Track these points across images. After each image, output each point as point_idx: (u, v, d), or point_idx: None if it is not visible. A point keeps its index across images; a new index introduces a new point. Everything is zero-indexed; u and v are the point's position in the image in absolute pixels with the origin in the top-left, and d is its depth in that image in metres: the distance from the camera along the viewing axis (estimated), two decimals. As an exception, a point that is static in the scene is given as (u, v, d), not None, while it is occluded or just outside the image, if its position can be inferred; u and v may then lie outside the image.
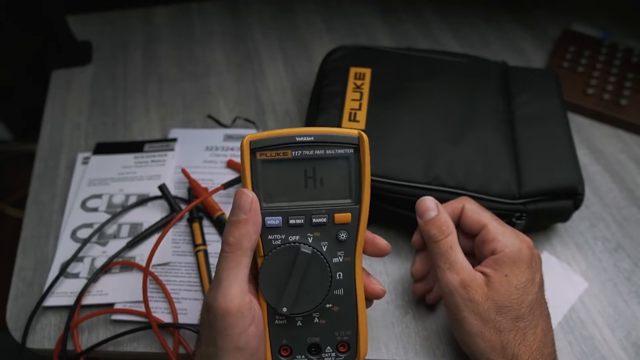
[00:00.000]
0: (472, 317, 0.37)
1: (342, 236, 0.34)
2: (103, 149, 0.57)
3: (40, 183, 0.56)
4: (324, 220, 0.33)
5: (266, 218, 0.33)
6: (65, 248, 0.49)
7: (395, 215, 0.48)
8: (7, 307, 0.47)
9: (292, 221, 0.33)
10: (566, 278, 0.49)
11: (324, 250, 0.34)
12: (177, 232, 0.51)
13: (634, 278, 0.49)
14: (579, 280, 0.49)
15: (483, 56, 0.60)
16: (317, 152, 0.33)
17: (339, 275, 0.34)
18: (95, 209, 0.52)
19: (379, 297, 0.36)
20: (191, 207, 0.49)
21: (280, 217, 0.33)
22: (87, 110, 0.64)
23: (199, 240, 0.49)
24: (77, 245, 0.49)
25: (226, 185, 0.51)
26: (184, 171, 0.54)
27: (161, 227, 0.50)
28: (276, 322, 0.35)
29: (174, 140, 0.58)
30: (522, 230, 0.49)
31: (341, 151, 0.33)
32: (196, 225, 0.50)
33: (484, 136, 0.50)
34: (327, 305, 0.35)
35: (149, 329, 0.44)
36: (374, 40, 0.73)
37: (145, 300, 0.45)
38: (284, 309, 0.33)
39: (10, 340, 0.45)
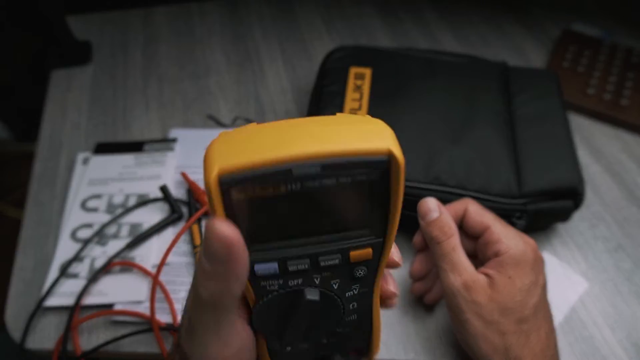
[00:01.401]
0: (474, 319, 0.37)
1: (360, 274, 0.25)
2: (103, 149, 0.57)
3: (40, 183, 0.56)
4: (337, 262, 0.24)
5: (256, 266, 0.23)
6: (65, 248, 0.49)
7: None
8: (7, 308, 0.47)
9: (292, 268, 0.24)
10: (566, 278, 0.49)
11: (335, 288, 0.25)
12: (177, 232, 0.51)
13: (635, 278, 0.49)
14: (579, 280, 0.49)
15: (483, 56, 0.60)
16: (326, 182, 0.21)
17: (353, 305, 0.27)
18: (95, 209, 0.52)
19: (390, 303, 0.29)
20: (198, 215, 0.50)
21: (276, 264, 0.23)
22: (87, 110, 0.64)
23: (198, 242, 0.49)
24: (77, 245, 0.49)
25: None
26: (184, 175, 0.54)
27: (161, 228, 0.50)
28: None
29: (174, 140, 0.58)
30: (523, 230, 0.50)
31: (362, 177, 0.22)
32: (195, 227, 0.50)
33: (484, 136, 0.50)
34: (338, 329, 0.28)
35: (150, 331, 0.44)
36: (374, 40, 0.73)
37: (152, 307, 0.45)
38: (288, 349, 0.28)
39: (10, 341, 0.45)
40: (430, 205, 0.40)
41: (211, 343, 0.24)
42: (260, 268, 0.23)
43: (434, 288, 0.45)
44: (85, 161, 0.57)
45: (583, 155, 0.58)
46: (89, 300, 0.46)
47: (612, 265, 0.50)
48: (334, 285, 0.25)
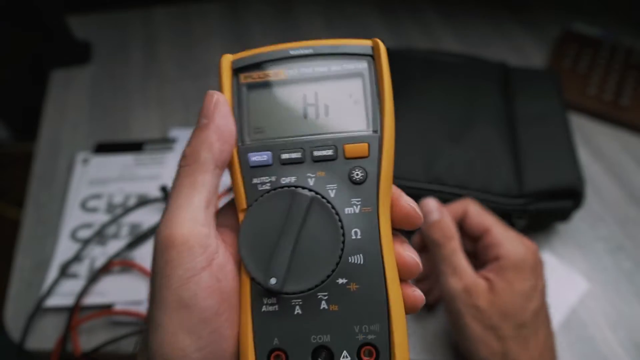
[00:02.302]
0: (474, 323, 0.37)
1: (357, 176, 0.24)
2: (103, 149, 0.57)
3: (40, 183, 0.56)
4: (330, 152, 0.24)
5: (250, 154, 0.24)
6: (64, 248, 0.49)
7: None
8: (6, 308, 0.47)
9: (285, 156, 0.24)
10: (567, 278, 0.49)
11: (332, 195, 0.23)
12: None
13: (635, 278, 0.49)
14: (580, 280, 0.49)
15: (483, 56, 0.60)
16: (319, 69, 0.25)
17: (356, 232, 0.23)
18: (94, 209, 0.52)
19: (411, 274, 0.24)
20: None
21: (270, 152, 0.24)
22: (87, 110, 0.64)
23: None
24: (77, 245, 0.49)
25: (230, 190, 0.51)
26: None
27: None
28: (264, 309, 0.23)
29: (174, 140, 0.58)
30: (522, 230, 0.49)
31: (350, 66, 0.25)
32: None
33: (484, 136, 0.50)
34: (340, 281, 0.23)
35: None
36: (374, 40, 0.73)
37: (145, 301, 0.44)
38: (272, 281, 0.22)
39: (10, 341, 0.45)
40: (431, 206, 0.40)
41: (182, 208, 0.22)
42: (254, 156, 0.24)
43: (434, 289, 0.44)
44: (85, 161, 0.57)
45: (583, 155, 0.58)
46: (88, 300, 0.46)
47: (612, 266, 0.50)
48: (330, 191, 0.23)
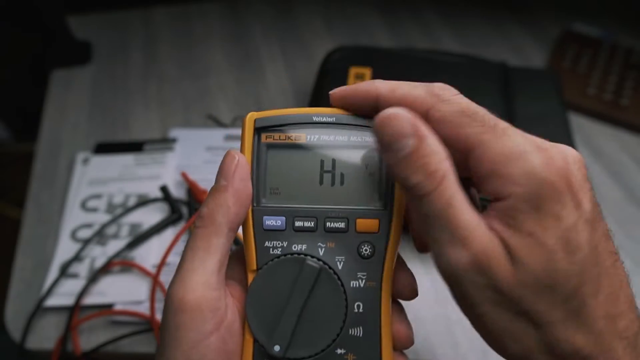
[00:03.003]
0: (495, 311, 0.22)
1: (366, 251, 0.25)
2: (103, 149, 0.57)
3: (40, 183, 0.56)
4: (342, 225, 0.25)
5: (265, 218, 0.25)
6: (64, 248, 0.49)
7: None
8: (6, 308, 0.47)
9: (298, 224, 0.25)
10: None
11: (339, 268, 0.25)
12: (177, 232, 0.51)
13: (635, 278, 0.49)
14: (580, 280, 0.49)
15: (483, 56, 0.60)
16: (339, 137, 0.25)
17: (358, 306, 0.25)
18: (94, 209, 0.52)
19: (404, 346, 0.25)
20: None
21: (284, 218, 0.25)
22: (87, 110, 0.64)
23: (198, 241, 0.49)
24: (77, 245, 0.49)
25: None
26: (183, 175, 0.54)
27: (161, 228, 0.50)
28: None
29: (174, 140, 0.58)
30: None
31: (370, 138, 0.25)
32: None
33: (484, 136, 0.50)
34: (339, 351, 0.24)
35: (150, 331, 0.44)
36: (374, 40, 0.73)
37: (152, 307, 0.45)
38: (276, 348, 0.24)
39: (10, 341, 0.45)
40: (403, 124, 0.22)
41: (196, 271, 0.23)
42: (268, 220, 0.25)
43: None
44: (85, 161, 0.57)
45: (583, 155, 0.58)
46: (88, 300, 0.46)
47: (612, 265, 0.50)
48: (338, 263, 0.25)
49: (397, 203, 0.25)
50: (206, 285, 0.23)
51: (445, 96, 0.24)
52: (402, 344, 0.25)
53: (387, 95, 0.25)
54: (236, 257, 0.26)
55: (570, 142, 0.51)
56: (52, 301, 0.46)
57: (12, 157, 1.23)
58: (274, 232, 0.25)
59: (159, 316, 0.45)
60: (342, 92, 0.26)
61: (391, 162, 0.22)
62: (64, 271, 0.47)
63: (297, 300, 0.24)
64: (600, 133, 0.62)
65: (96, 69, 0.69)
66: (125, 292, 0.46)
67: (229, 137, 0.59)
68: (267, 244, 0.25)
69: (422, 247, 0.28)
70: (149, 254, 0.49)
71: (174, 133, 0.60)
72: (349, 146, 0.26)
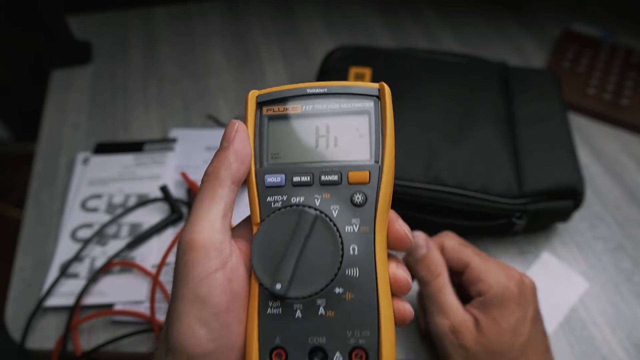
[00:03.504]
0: None
1: (358, 199, 0.27)
2: (103, 149, 0.57)
3: (40, 183, 0.56)
4: (335, 178, 0.27)
5: (266, 176, 0.28)
6: (64, 248, 0.49)
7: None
8: (7, 307, 0.47)
9: (296, 179, 0.28)
10: (566, 278, 0.49)
11: (334, 215, 0.27)
12: (177, 233, 0.51)
13: (635, 278, 0.49)
14: (580, 280, 0.49)
15: (483, 56, 0.60)
16: (331, 106, 0.29)
17: (353, 249, 0.27)
18: (95, 209, 0.52)
19: (402, 290, 0.28)
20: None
21: (283, 175, 0.28)
22: (87, 110, 0.64)
23: (199, 241, 0.49)
24: (77, 245, 0.49)
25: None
26: (183, 175, 0.54)
27: (161, 228, 0.50)
28: (269, 311, 0.26)
29: (174, 140, 0.58)
30: (522, 231, 0.50)
31: (359, 105, 0.29)
32: (196, 226, 0.50)
33: (484, 136, 0.50)
34: (337, 290, 0.26)
35: (150, 331, 0.44)
36: (374, 40, 0.73)
37: (152, 307, 0.45)
38: (278, 286, 0.26)
39: (10, 341, 0.45)
40: (419, 240, 0.38)
41: (202, 217, 0.26)
42: (269, 177, 0.28)
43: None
44: (85, 161, 0.57)
45: (583, 155, 0.58)
46: (89, 300, 0.46)
47: (612, 265, 0.50)
48: (333, 211, 0.27)
49: (387, 157, 0.28)
50: (211, 228, 0.25)
51: (450, 236, 0.40)
52: (401, 288, 0.27)
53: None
54: (246, 220, 0.30)
55: (570, 142, 0.51)
56: (52, 301, 0.46)
57: (12, 157, 1.23)
58: (274, 188, 0.28)
59: (159, 316, 0.45)
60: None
61: (411, 262, 0.38)
62: (64, 271, 0.47)
63: (296, 244, 0.26)
64: (600, 133, 0.62)
65: (96, 69, 0.69)
66: (125, 292, 0.46)
67: (229, 137, 0.59)
68: (268, 199, 0.28)
69: (424, 332, 0.43)
70: (149, 254, 0.49)
71: (174, 133, 0.60)
72: (340, 113, 0.29)
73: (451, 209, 0.47)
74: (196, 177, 0.54)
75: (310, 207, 0.27)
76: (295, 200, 0.27)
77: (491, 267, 0.38)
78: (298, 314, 0.26)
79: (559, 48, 0.69)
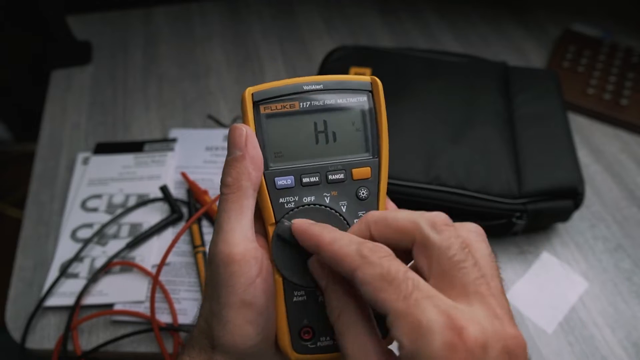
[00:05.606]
0: None
1: (363, 194, 0.30)
2: (103, 149, 0.57)
3: (40, 183, 0.56)
4: (342, 176, 0.30)
5: (276, 178, 0.30)
6: (65, 248, 0.49)
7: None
8: (7, 307, 0.47)
9: (305, 179, 0.30)
10: (566, 278, 0.49)
11: (344, 210, 0.30)
12: (177, 232, 0.51)
13: (635, 278, 0.49)
14: (579, 280, 0.49)
15: (483, 56, 0.60)
16: (328, 102, 0.30)
17: None
18: (95, 209, 0.52)
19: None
20: (198, 215, 0.50)
21: (292, 177, 0.30)
22: (87, 110, 0.64)
23: (198, 242, 0.49)
24: (77, 245, 0.49)
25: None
26: (183, 175, 0.54)
27: (161, 228, 0.50)
28: (295, 299, 0.30)
29: (174, 140, 0.58)
30: (522, 231, 0.50)
31: (353, 99, 0.30)
32: (195, 227, 0.50)
33: (484, 136, 0.50)
34: None
35: (150, 331, 0.44)
36: (374, 40, 0.73)
37: (152, 307, 0.45)
38: (298, 281, 0.29)
39: (10, 341, 0.45)
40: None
41: (235, 230, 0.27)
42: (280, 180, 0.29)
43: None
44: (85, 161, 0.57)
45: (583, 155, 0.58)
46: (89, 300, 0.46)
47: (612, 265, 0.50)
48: (342, 207, 0.30)
49: (383, 152, 0.30)
50: (246, 239, 0.27)
51: (372, 258, 0.23)
52: None
53: (325, 248, 0.25)
54: (255, 215, 0.31)
55: (570, 142, 0.51)
56: (52, 301, 0.46)
57: (12, 157, 1.23)
58: (285, 190, 0.30)
59: (159, 316, 0.45)
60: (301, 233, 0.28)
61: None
62: (64, 271, 0.47)
63: None
64: (600, 133, 0.62)
65: (96, 69, 0.69)
66: (125, 292, 0.46)
67: (229, 137, 0.59)
68: (281, 200, 0.30)
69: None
70: (149, 254, 0.49)
71: (174, 133, 0.60)
72: (337, 108, 0.30)
73: (451, 209, 0.47)
74: (196, 177, 0.54)
75: (321, 205, 0.30)
76: (306, 199, 0.30)
77: (421, 323, 0.21)
78: (321, 298, 0.30)
79: (558, 48, 0.69)
